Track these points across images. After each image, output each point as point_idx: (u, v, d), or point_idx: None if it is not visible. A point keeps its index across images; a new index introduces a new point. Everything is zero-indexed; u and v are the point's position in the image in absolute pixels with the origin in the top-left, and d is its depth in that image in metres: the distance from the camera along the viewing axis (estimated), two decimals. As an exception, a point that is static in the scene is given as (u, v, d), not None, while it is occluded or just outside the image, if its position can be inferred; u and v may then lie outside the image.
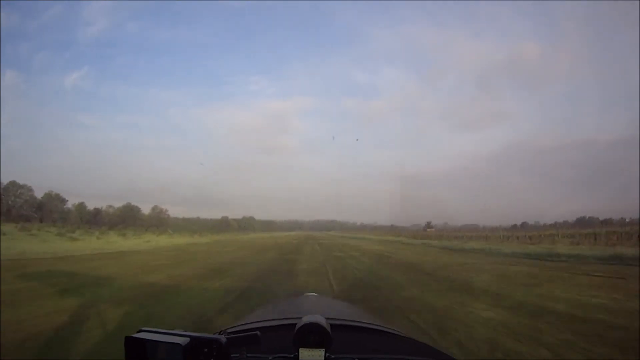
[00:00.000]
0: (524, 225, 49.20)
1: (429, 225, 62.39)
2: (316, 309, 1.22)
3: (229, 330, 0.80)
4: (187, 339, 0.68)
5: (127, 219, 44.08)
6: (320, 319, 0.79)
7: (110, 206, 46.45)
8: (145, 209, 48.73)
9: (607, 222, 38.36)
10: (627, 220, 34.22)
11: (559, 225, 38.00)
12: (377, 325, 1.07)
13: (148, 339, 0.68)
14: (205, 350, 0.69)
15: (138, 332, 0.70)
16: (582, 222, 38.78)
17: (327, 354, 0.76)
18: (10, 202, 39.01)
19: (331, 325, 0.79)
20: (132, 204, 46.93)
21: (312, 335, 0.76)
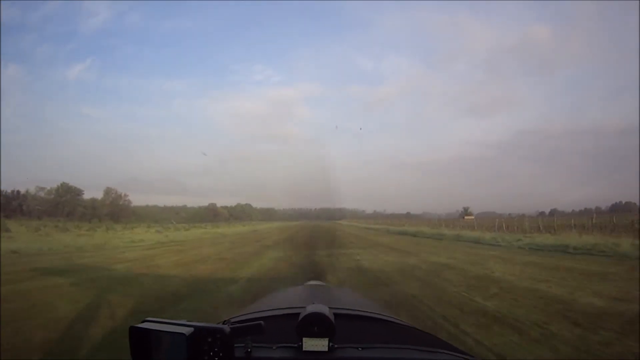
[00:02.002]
0: (552, 212, 51.08)
1: (466, 211, 62.30)
2: (320, 298, 1.41)
3: (232, 320, 0.96)
4: (191, 329, 0.84)
5: (60, 205, 42.78)
6: (324, 309, 0.96)
7: (42, 188, 44.51)
8: (98, 194, 47.23)
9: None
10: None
11: (592, 212, 39.48)
12: (381, 314, 1.26)
13: (152, 329, 0.83)
14: (209, 339, 0.85)
15: (142, 322, 0.86)
16: (618, 208, 40.49)
17: (330, 344, 0.93)
18: None
19: (335, 314, 0.97)
20: (70, 184, 45.28)
21: (316, 324, 0.93)
